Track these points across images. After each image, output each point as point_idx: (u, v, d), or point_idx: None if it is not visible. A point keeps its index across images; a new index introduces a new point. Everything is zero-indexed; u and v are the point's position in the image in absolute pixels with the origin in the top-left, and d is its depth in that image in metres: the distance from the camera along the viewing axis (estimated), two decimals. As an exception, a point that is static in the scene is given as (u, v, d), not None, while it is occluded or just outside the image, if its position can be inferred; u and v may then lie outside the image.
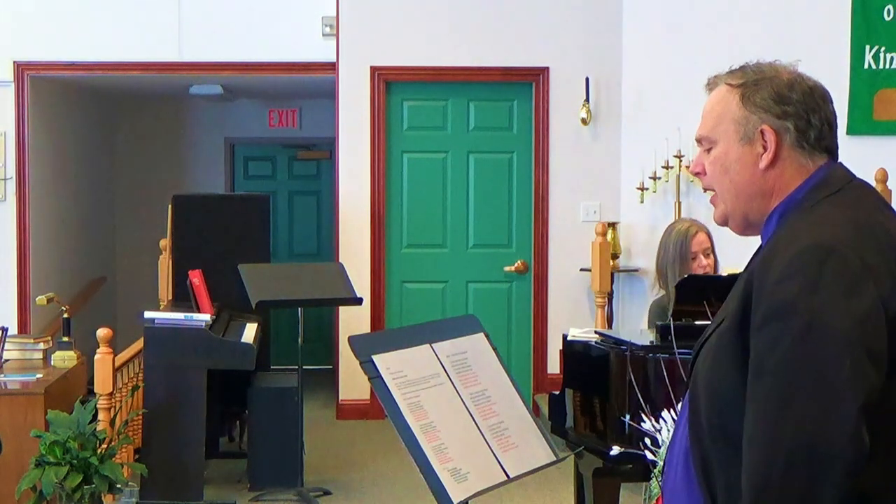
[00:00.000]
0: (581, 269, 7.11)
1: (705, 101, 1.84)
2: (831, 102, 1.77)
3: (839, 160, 1.79)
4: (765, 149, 1.74)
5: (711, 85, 1.84)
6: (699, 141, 1.85)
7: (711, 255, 4.30)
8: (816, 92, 1.75)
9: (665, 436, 2.92)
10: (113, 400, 5.08)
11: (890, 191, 5.54)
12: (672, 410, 2.95)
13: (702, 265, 4.25)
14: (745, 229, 1.83)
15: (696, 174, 1.87)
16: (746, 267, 1.80)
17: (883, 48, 6.26)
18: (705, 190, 1.87)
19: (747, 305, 1.62)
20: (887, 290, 1.58)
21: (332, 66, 7.34)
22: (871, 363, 1.53)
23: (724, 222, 1.85)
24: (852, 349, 1.52)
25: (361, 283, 6.78)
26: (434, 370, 2.49)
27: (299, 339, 5.65)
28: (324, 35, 7.47)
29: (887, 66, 6.27)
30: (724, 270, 4.38)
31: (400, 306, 7.37)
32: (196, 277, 5.51)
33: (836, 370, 1.52)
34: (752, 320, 1.61)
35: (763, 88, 1.75)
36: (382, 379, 2.36)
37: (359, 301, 5.81)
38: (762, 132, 1.74)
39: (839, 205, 1.69)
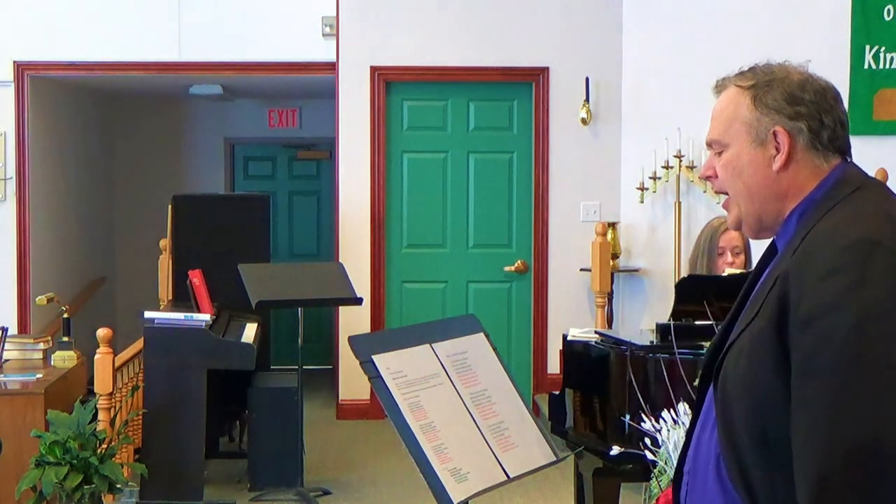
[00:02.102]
0: (581, 269, 7.11)
1: (714, 104, 1.82)
2: (842, 102, 1.76)
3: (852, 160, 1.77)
4: (778, 150, 1.72)
5: (720, 87, 1.81)
6: (709, 144, 1.82)
7: (742, 255, 4.16)
8: (829, 92, 1.74)
9: (665, 436, 2.91)
10: (113, 400, 5.08)
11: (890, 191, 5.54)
12: (672, 410, 2.95)
13: (727, 262, 4.15)
14: (758, 232, 1.80)
15: (707, 178, 1.85)
16: (760, 267, 1.78)
17: (883, 48, 6.26)
18: (717, 193, 1.85)
19: (785, 305, 1.59)
20: None
21: (332, 66, 7.34)
22: None
23: (737, 226, 1.82)
24: None
25: (361, 283, 6.78)
26: (434, 370, 2.49)
27: (299, 339, 5.65)
28: (324, 35, 7.47)
29: (887, 66, 6.27)
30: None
31: (400, 306, 7.37)
32: (196, 277, 5.51)
33: (892, 365, 1.50)
34: (791, 319, 1.57)
35: (775, 89, 1.73)
36: (382, 379, 2.36)
37: (359, 301, 5.81)
38: (775, 133, 1.72)
39: (866, 201, 1.67)
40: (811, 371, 1.54)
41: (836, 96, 1.74)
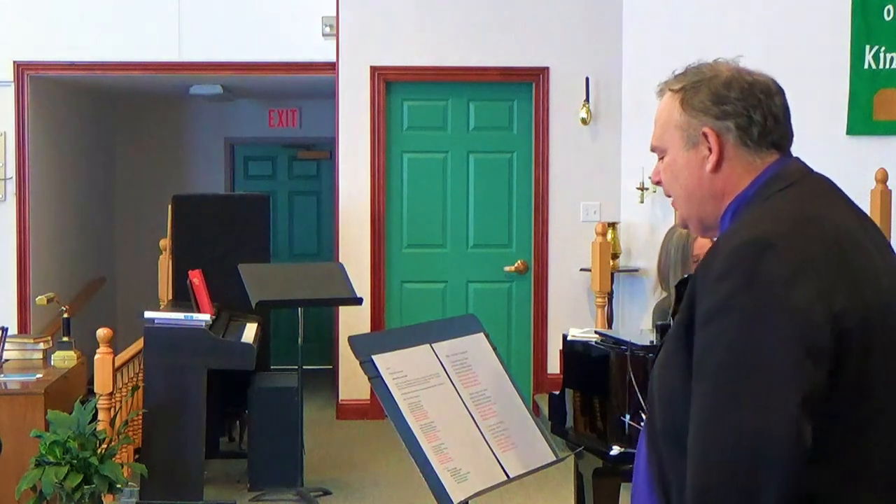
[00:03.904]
0: (581, 269, 7.11)
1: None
2: (778, 95, 1.72)
3: (794, 154, 1.75)
4: (710, 151, 1.71)
5: (660, 92, 1.82)
6: (653, 150, 1.83)
7: None
8: (757, 87, 1.71)
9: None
10: (113, 400, 5.08)
11: (890, 191, 5.54)
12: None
13: None
14: (704, 231, 1.81)
15: (657, 183, 1.85)
16: None
17: (883, 48, 6.26)
18: (667, 197, 1.85)
19: (692, 305, 1.60)
20: (829, 284, 1.53)
21: (332, 66, 7.34)
22: (812, 360, 1.49)
23: (684, 225, 1.84)
24: (790, 346, 1.49)
25: (361, 283, 6.78)
26: (434, 370, 2.49)
27: (299, 339, 5.64)
28: (324, 35, 7.47)
29: (887, 66, 6.27)
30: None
31: (400, 306, 7.36)
32: (196, 277, 5.51)
33: (773, 369, 1.48)
34: (696, 319, 1.58)
35: (701, 91, 1.72)
36: (382, 379, 2.36)
37: (359, 301, 5.81)
38: (705, 135, 1.71)
39: (788, 198, 1.66)
40: (700, 373, 1.55)
41: (768, 89, 1.71)
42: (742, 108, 1.69)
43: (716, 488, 1.49)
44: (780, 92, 1.73)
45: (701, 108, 1.72)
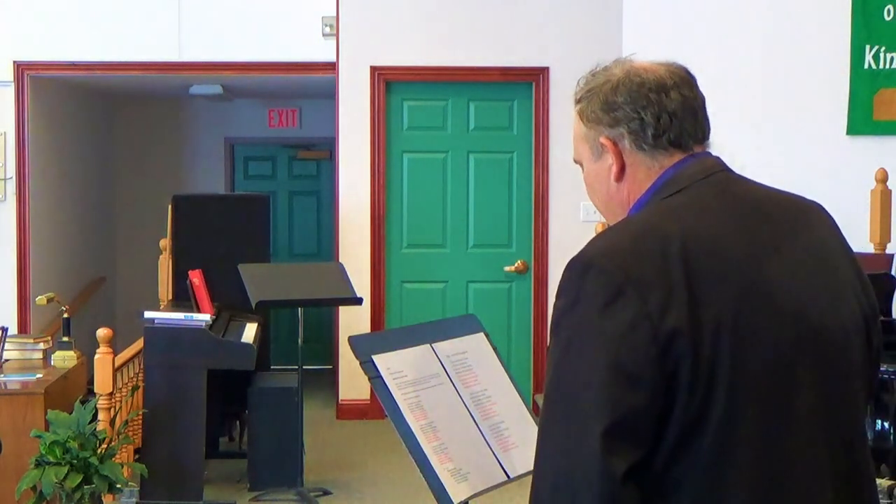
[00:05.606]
0: (581, 269, 7.11)
1: None
2: (675, 89, 1.64)
3: (710, 151, 1.68)
4: (612, 161, 1.67)
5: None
6: (575, 162, 1.79)
7: None
8: (647, 85, 1.63)
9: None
10: (113, 400, 5.08)
11: (890, 191, 5.54)
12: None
13: None
14: None
15: None
16: None
17: (883, 48, 6.25)
18: None
19: None
20: (657, 305, 1.47)
21: (332, 66, 7.34)
22: (627, 384, 1.45)
23: None
24: (599, 371, 1.46)
25: (361, 283, 6.78)
26: (434, 370, 2.49)
27: (299, 339, 5.64)
28: (324, 35, 7.47)
29: (887, 66, 6.26)
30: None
31: (400, 306, 7.36)
32: (196, 277, 5.51)
33: (584, 394, 1.46)
34: None
35: (593, 100, 1.67)
36: (382, 379, 2.36)
37: (359, 301, 5.81)
38: (603, 145, 1.67)
39: (657, 209, 1.60)
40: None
41: (660, 87, 1.63)
42: (632, 112, 1.63)
43: None
44: (681, 84, 1.66)
45: (594, 119, 1.67)
